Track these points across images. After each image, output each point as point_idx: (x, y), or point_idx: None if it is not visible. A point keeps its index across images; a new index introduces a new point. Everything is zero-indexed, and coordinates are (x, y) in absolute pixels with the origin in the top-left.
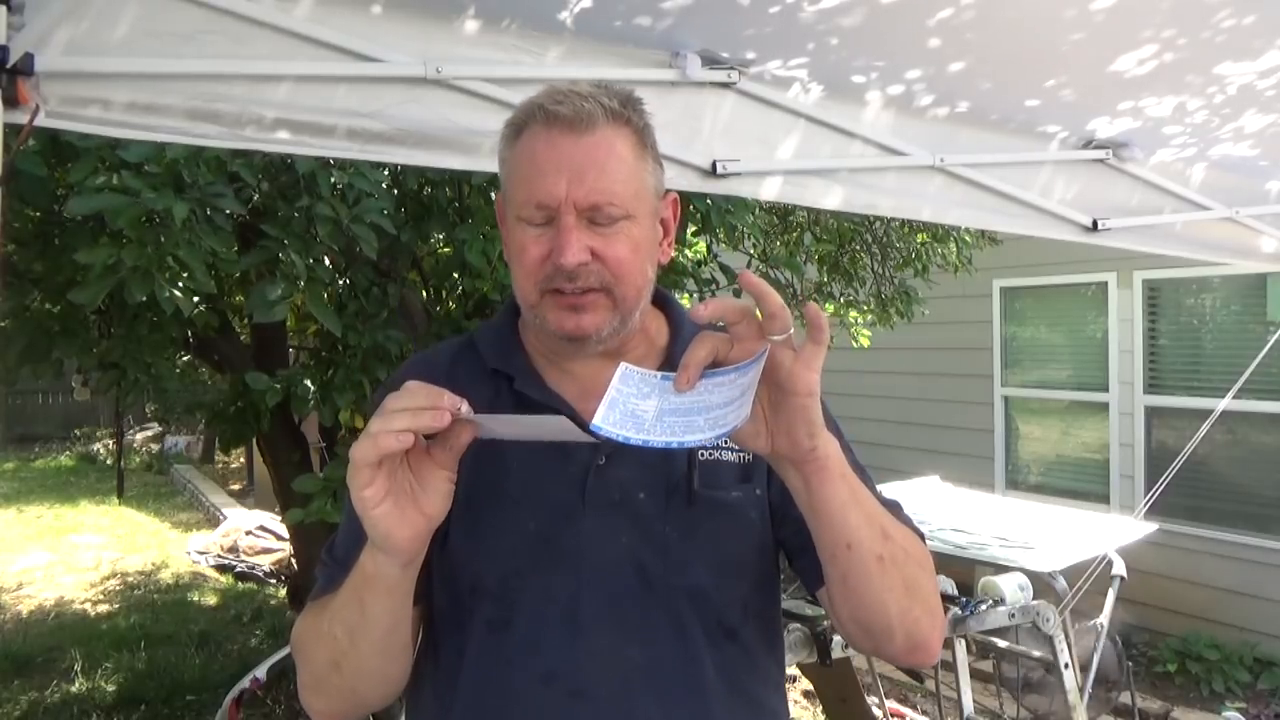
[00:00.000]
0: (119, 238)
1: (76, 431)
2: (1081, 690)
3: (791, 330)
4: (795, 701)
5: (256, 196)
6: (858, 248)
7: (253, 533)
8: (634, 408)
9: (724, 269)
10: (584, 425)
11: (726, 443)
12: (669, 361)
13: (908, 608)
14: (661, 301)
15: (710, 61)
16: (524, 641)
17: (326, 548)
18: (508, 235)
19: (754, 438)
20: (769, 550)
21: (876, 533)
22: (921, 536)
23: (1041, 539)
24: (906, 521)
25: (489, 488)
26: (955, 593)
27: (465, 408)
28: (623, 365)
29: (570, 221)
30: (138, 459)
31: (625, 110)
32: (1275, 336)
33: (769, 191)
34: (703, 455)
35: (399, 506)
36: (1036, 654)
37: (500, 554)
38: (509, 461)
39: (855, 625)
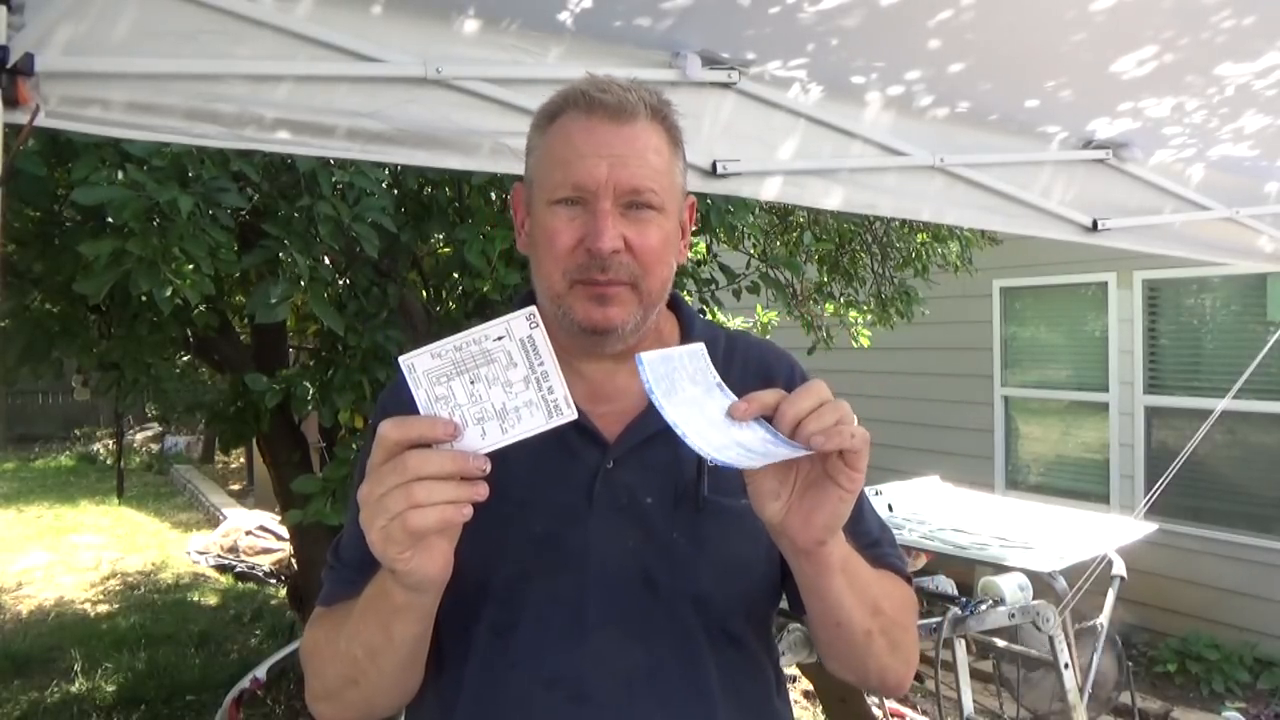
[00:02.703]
0: (122, 231)
1: (76, 431)
2: (1081, 690)
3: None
4: (795, 701)
5: (257, 196)
6: (858, 248)
7: (253, 533)
8: (677, 380)
9: (724, 269)
10: (592, 429)
11: None
12: None
13: (887, 665)
14: (673, 303)
15: (710, 61)
16: (527, 645)
17: (332, 549)
18: (533, 223)
19: (771, 498)
20: (775, 558)
21: (867, 611)
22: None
23: (1041, 539)
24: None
25: (495, 490)
26: (955, 593)
27: (486, 465)
28: (700, 345)
29: (607, 207)
30: (138, 459)
31: (663, 108)
32: (1275, 336)
33: (769, 191)
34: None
35: (425, 547)
36: (1036, 654)
37: (505, 557)
38: (516, 464)
39: (835, 664)
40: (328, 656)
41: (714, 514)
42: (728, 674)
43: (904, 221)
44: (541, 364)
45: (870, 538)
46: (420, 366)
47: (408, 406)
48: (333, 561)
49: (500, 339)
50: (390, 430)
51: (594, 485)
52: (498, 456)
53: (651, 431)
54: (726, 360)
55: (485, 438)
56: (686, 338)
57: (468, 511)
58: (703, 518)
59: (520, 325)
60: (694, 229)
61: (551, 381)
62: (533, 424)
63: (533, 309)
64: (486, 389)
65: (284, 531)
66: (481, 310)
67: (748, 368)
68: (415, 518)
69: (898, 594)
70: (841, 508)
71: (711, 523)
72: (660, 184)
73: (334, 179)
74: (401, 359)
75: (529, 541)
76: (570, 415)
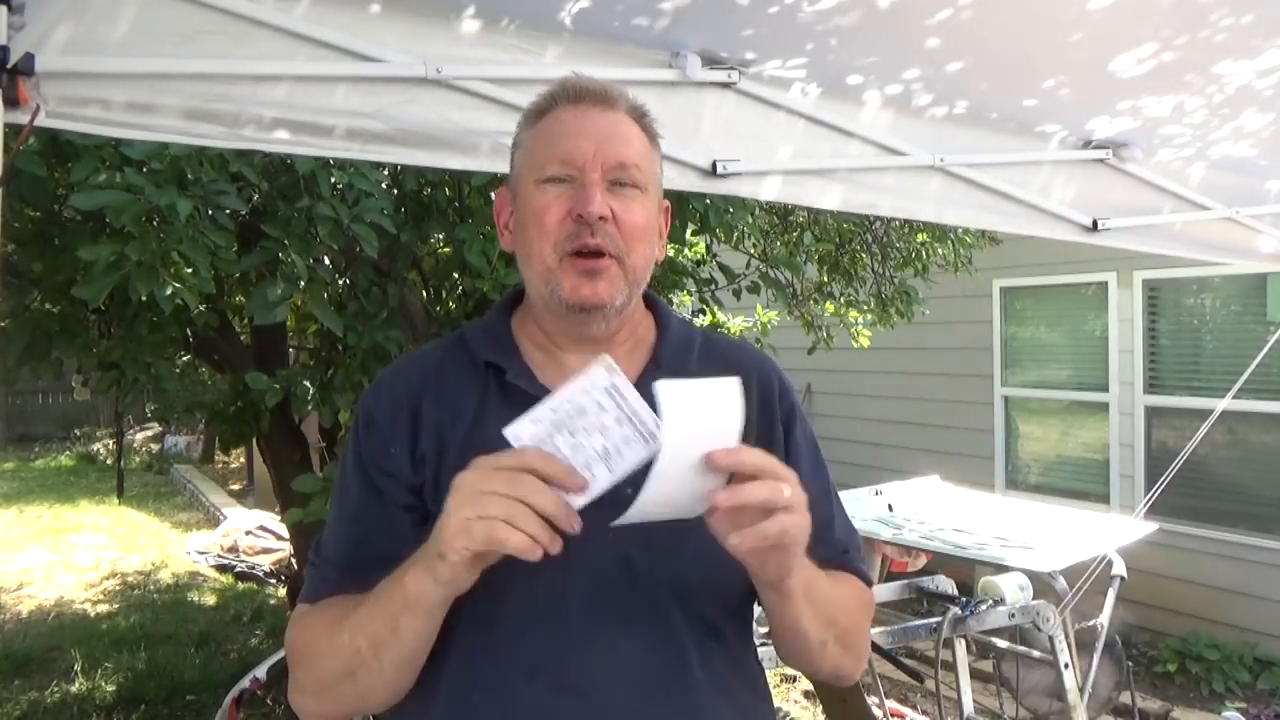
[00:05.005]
0: (121, 235)
1: (76, 431)
2: (1081, 690)
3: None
4: (795, 701)
5: (256, 196)
6: (858, 248)
7: (253, 533)
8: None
9: (723, 269)
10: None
11: None
12: (655, 358)
13: (839, 663)
14: (649, 302)
15: (710, 61)
16: (508, 636)
17: (314, 548)
18: (520, 208)
19: (725, 538)
20: None
21: (823, 625)
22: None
23: (1041, 539)
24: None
25: None
26: (955, 593)
27: (577, 525)
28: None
29: (595, 178)
30: (138, 459)
31: (641, 108)
32: (1275, 336)
33: (768, 191)
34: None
35: (483, 556)
36: (1036, 654)
37: None
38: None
39: (790, 661)
40: (323, 651)
41: None
42: (708, 664)
43: (904, 221)
44: (627, 402)
45: (839, 547)
46: (525, 434)
47: (389, 409)
48: (315, 559)
49: (587, 392)
50: (532, 456)
51: None
52: (482, 447)
53: None
54: (702, 359)
55: (595, 481)
56: (663, 335)
57: (538, 553)
58: None
59: (601, 376)
60: (694, 229)
61: (640, 415)
62: (634, 457)
63: (606, 357)
64: (586, 438)
65: (284, 531)
66: (481, 310)
67: (722, 368)
68: (502, 531)
69: (853, 602)
70: (790, 560)
71: None
72: (643, 165)
73: (333, 180)
74: (506, 431)
75: None
76: (661, 441)
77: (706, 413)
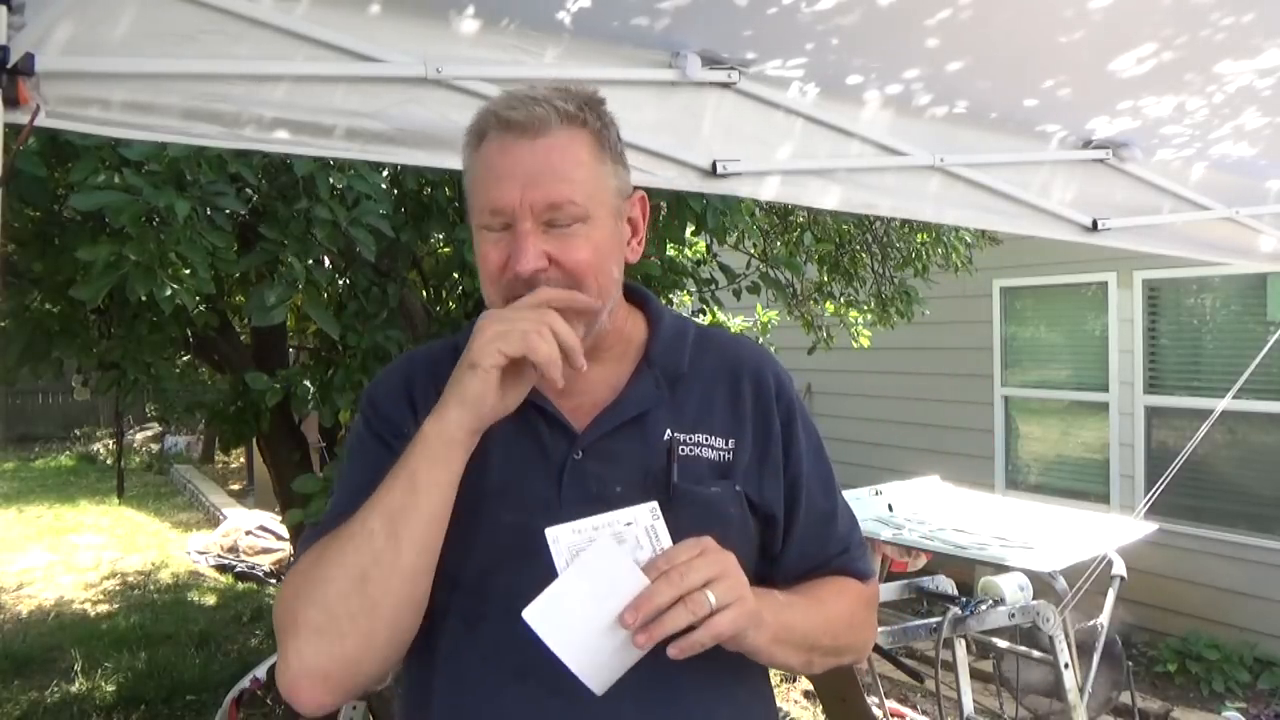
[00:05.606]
0: (120, 235)
1: (76, 431)
2: (1081, 690)
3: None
4: (795, 701)
5: (255, 197)
6: (858, 248)
7: (253, 533)
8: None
9: (724, 269)
10: (561, 420)
11: (707, 439)
12: (647, 358)
13: (835, 664)
14: (639, 299)
15: (710, 61)
16: (497, 637)
17: (313, 525)
18: (474, 242)
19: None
20: (750, 546)
21: (804, 650)
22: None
23: (1041, 539)
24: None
25: (469, 482)
26: (955, 593)
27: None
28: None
29: (526, 228)
30: (138, 459)
31: (581, 112)
32: (1275, 336)
33: (768, 191)
34: (683, 450)
35: (516, 372)
36: (1036, 654)
37: (476, 548)
38: (490, 456)
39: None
40: (328, 564)
41: (685, 502)
42: (704, 664)
43: (904, 221)
44: (663, 546)
45: (839, 546)
46: (564, 539)
47: (394, 393)
48: (318, 521)
49: (629, 524)
50: (551, 293)
51: (562, 476)
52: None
53: (620, 421)
54: (695, 355)
55: None
56: (655, 333)
57: (559, 371)
58: (673, 506)
59: (644, 515)
60: (693, 229)
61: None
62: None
63: (654, 504)
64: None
65: (284, 531)
66: (481, 310)
67: (716, 364)
68: (535, 339)
69: (845, 612)
70: (743, 640)
71: (683, 511)
72: (582, 193)
73: (331, 182)
74: (546, 530)
75: (498, 533)
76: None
77: (588, 596)
